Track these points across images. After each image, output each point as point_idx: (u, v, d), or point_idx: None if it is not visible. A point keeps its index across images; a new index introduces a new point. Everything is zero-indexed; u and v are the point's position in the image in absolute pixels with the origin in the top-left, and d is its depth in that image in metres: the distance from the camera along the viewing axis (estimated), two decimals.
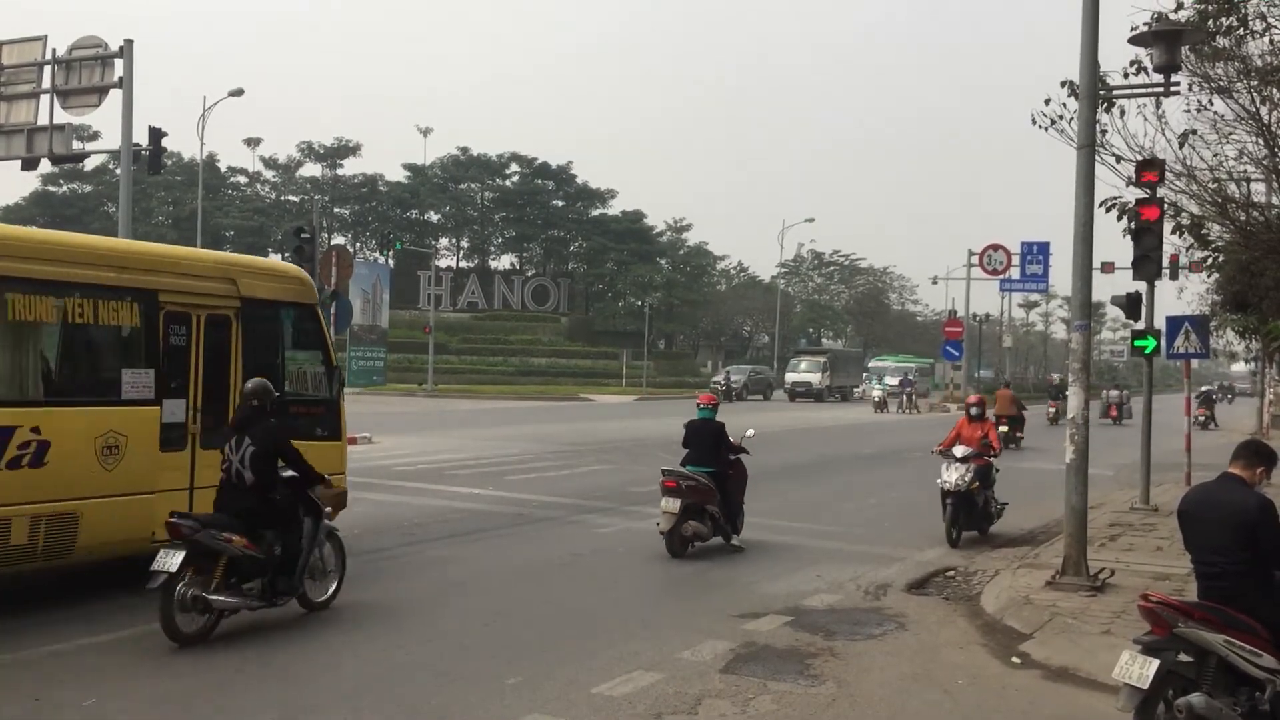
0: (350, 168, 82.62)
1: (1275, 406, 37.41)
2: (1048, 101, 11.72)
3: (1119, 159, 12.42)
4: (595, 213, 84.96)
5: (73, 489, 8.44)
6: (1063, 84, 11.60)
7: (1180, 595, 7.11)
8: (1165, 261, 17.41)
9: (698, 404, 12.81)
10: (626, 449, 23.50)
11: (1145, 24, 11.37)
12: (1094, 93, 10.40)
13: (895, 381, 56.20)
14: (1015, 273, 57.26)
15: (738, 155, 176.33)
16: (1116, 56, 11.97)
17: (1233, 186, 13.14)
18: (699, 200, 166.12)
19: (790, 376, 60.23)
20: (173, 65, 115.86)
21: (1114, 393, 44.59)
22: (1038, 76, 49.63)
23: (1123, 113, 12.00)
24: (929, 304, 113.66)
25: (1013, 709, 6.93)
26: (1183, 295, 39.09)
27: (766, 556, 11.82)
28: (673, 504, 11.49)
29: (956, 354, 57.05)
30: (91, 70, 23.24)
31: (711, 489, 11.76)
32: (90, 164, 68.74)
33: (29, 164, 24.71)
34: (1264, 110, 11.66)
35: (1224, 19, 11.20)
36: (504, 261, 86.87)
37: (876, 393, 50.96)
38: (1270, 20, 11.10)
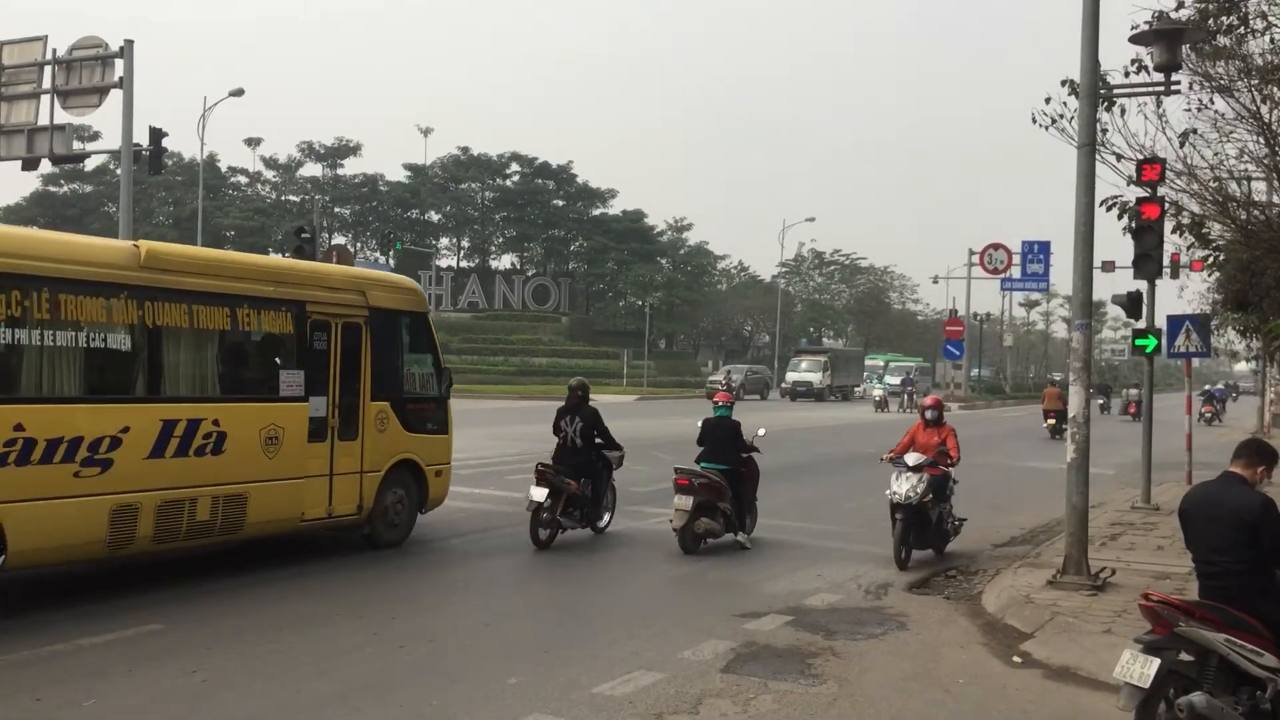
0: (351, 167, 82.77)
1: (1276, 405, 37.38)
2: (1048, 100, 11.70)
3: (1120, 158, 12.40)
4: (596, 212, 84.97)
5: (243, 473, 9.87)
6: (1063, 83, 11.58)
7: (1181, 594, 7.10)
8: (1166, 260, 17.42)
9: (714, 402, 13.02)
10: (627, 448, 23.44)
11: (1146, 23, 11.36)
12: (1094, 91, 10.39)
13: (897, 381, 56.23)
14: (1016, 272, 57.38)
15: (738, 154, 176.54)
16: (1117, 55, 11.95)
17: (1233, 185, 13.12)
18: (699, 200, 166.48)
19: (791, 376, 60.20)
20: (173, 65, 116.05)
21: (1134, 390, 45.73)
22: (1038, 75, 49.66)
23: (1123, 111, 11.99)
24: (930, 303, 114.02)
25: (1014, 708, 6.93)
26: (1183, 294, 39.33)
27: (767, 556, 11.83)
28: (686, 501, 11.57)
29: (957, 353, 57.11)
30: (92, 70, 23.27)
31: (724, 486, 11.87)
32: (91, 164, 68.90)
33: (29, 164, 24.73)
34: (1264, 109, 11.64)
35: (1224, 18, 11.17)
36: (504, 261, 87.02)
37: (877, 392, 50.97)
38: (1271, 19, 11.09)
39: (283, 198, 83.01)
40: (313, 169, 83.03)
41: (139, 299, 9.17)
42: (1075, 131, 10.54)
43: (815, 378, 59.40)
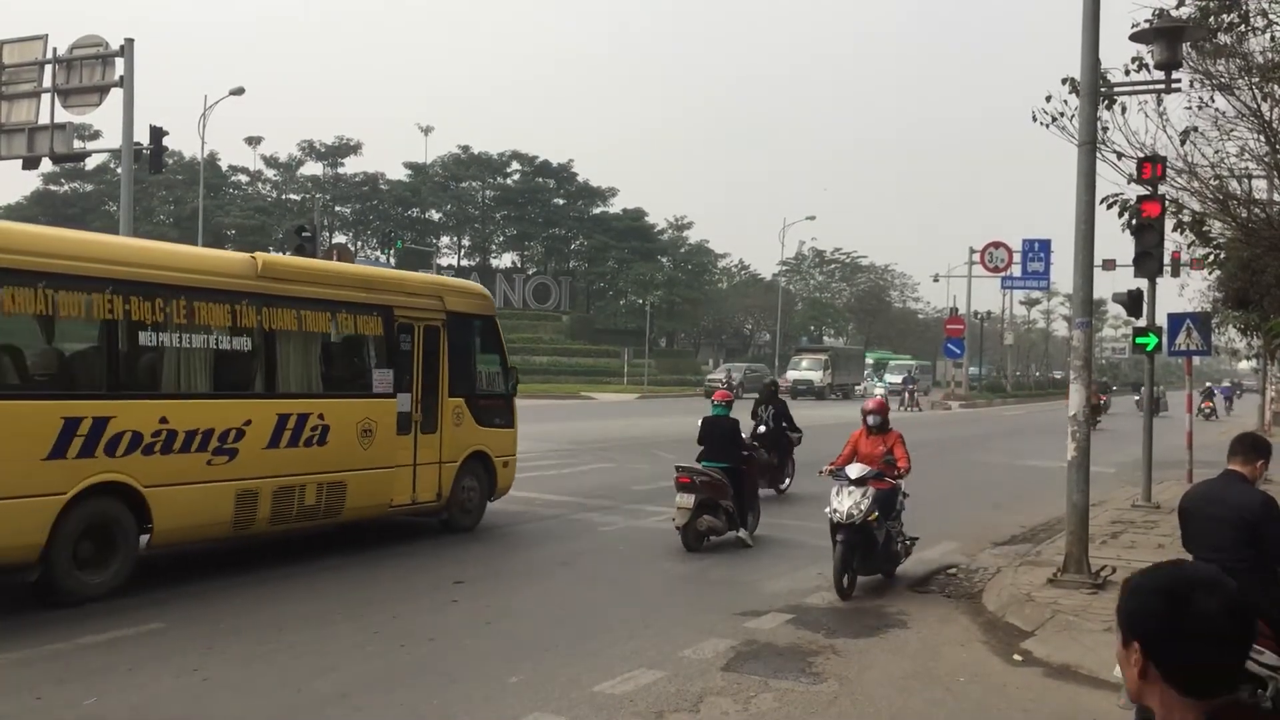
0: (351, 166, 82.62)
1: (1277, 403, 37.38)
2: (1049, 98, 11.68)
3: (1120, 156, 12.38)
4: (596, 211, 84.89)
5: (343, 463, 10.87)
6: (1063, 81, 11.56)
7: None
8: (1166, 258, 17.41)
9: (712, 401, 12.85)
10: (628, 447, 23.50)
11: (1146, 21, 11.34)
12: (1095, 89, 10.38)
13: (898, 379, 56.19)
14: (1016, 270, 57.37)
15: (738, 154, 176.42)
16: (1117, 53, 11.94)
17: (1234, 183, 13.11)
18: (700, 199, 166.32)
19: (791, 374, 60.14)
20: (174, 64, 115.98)
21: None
22: (1038, 75, 49.57)
23: (1124, 109, 11.97)
24: (930, 301, 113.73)
25: (1014, 707, 6.93)
26: (1184, 292, 39.53)
27: (768, 554, 11.83)
28: (687, 499, 11.56)
29: (958, 351, 57.07)
30: (92, 69, 23.22)
31: (725, 484, 11.85)
32: (91, 163, 68.75)
33: (30, 163, 24.68)
34: (1265, 107, 11.62)
35: (1225, 15, 11.15)
36: (505, 260, 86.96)
37: (879, 391, 50.96)
38: (1271, 17, 11.06)
39: (283, 196, 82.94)
40: (313, 168, 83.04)
41: (257, 305, 10.22)
42: (1076, 130, 10.53)
43: (816, 376, 59.43)
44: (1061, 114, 11.54)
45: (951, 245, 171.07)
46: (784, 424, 16.75)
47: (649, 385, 58.47)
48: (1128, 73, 11.74)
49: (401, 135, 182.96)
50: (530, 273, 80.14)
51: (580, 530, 13.14)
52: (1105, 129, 11.55)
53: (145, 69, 23.16)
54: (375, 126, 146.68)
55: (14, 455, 8.18)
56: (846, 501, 9.80)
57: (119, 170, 26.48)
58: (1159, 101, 11.91)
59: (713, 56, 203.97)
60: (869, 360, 69.81)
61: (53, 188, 77.37)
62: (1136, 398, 49.47)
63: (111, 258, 9.22)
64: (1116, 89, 11.84)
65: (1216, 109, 12.03)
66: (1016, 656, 7.97)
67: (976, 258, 58.42)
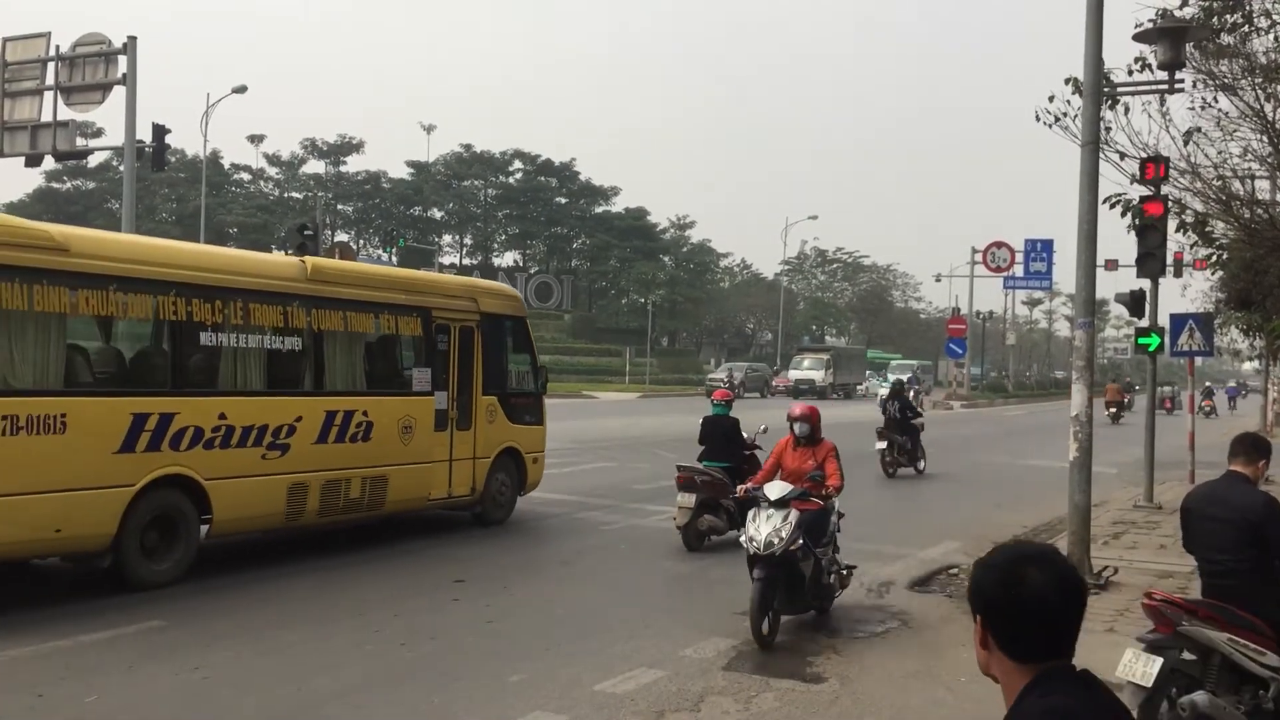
0: (353, 165, 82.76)
1: (1278, 404, 37.30)
2: (1051, 98, 11.67)
3: (1123, 156, 12.38)
4: (598, 210, 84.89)
5: (386, 458, 11.30)
6: (1067, 81, 11.55)
7: (1184, 593, 7.09)
8: (1169, 259, 17.38)
9: (713, 400, 12.84)
10: (629, 446, 23.49)
11: (1150, 21, 11.33)
12: (1098, 90, 10.37)
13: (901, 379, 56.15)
14: (1019, 270, 57.26)
15: (740, 154, 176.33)
16: (1121, 53, 11.96)
17: (1237, 184, 13.09)
18: (701, 198, 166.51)
19: (793, 374, 60.13)
20: (176, 62, 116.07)
21: (1166, 388, 48.22)
22: (1039, 75, 49.65)
23: (1127, 110, 11.96)
24: (932, 301, 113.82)
25: None
26: (1186, 293, 39.60)
27: None
28: (688, 499, 11.55)
29: (960, 351, 57.00)
30: (95, 67, 23.22)
31: (726, 483, 11.81)
32: (94, 160, 68.65)
33: (33, 160, 24.68)
34: (1268, 107, 11.60)
35: (1228, 16, 11.15)
36: (507, 259, 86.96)
37: (882, 390, 50.92)
38: (1275, 17, 11.03)
39: (285, 195, 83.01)
40: (315, 166, 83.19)
41: (307, 306, 10.62)
42: (1079, 130, 10.52)
43: (818, 375, 59.40)
44: (1065, 114, 11.54)
45: (953, 245, 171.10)
46: (908, 413, 19.97)
47: (651, 384, 58.43)
48: (1131, 73, 11.74)
49: (404, 134, 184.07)
50: (532, 271, 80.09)
51: (581, 529, 13.14)
52: (1108, 129, 11.57)
53: (148, 67, 23.22)
54: (377, 125, 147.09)
55: (89, 449, 8.62)
56: (765, 528, 8.19)
57: (121, 168, 26.46)
58: (1162, 102, 11.91)
59: (713, 56, 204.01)
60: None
61: (55, 185, 77.45)
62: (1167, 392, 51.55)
63: (174, 261, 9.64)
64: (1120, 89, 11.84)
65: (1220, 109, 12.03)
66: None
67: (979, 257, 58.32)
